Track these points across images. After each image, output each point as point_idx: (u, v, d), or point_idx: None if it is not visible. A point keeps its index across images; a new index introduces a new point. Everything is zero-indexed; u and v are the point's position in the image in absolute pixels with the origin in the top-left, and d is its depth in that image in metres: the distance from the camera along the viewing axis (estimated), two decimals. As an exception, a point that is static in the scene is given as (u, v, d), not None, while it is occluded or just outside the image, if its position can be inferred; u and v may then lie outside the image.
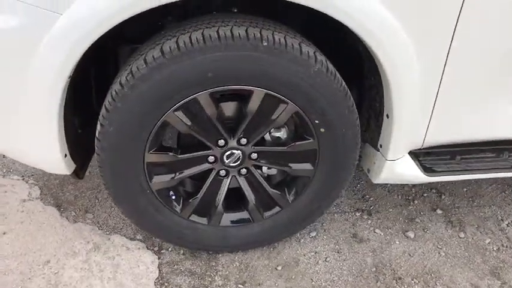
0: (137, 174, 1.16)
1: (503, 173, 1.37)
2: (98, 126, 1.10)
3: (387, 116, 1.22)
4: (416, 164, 1.34)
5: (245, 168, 1.27)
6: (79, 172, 1.29)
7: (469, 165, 1.39)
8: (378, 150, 1.33)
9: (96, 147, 1.13)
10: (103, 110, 1.08)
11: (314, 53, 1.07)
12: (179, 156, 1.20)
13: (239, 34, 1.01)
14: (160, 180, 1.22)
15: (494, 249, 1.56)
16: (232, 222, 1.36)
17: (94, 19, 0.95)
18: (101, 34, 0.97)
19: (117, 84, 1.05)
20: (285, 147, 1.24)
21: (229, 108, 1.21)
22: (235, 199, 1.35)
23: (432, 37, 1.08)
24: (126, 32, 1.17)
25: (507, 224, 1.67)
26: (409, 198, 1.76)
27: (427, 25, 1.06)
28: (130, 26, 1.02)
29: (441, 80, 1.14)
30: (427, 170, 1.34)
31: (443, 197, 1.78)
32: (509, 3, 1.08)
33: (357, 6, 1.00)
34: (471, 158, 1.42)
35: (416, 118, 1.22)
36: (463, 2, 1.03)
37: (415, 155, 1.37)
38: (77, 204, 1.60)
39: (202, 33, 1.01)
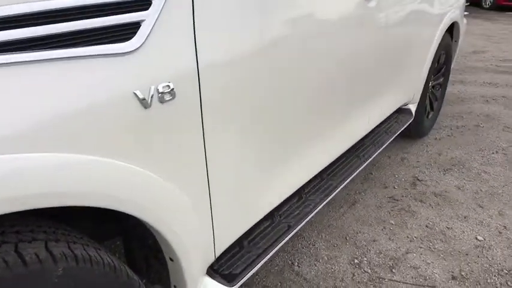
0: None
1: (284, 240, 1.38)
2: None
3: (171, 259, 0.98)
4: (218, 280, 1.17)
5: None
6: None
7: (258, 247, 1.34)
8: (175, 292, 1.08)
9: None
10: None
11: (52, 253, 0.70)
12: None
13: None
14: None
15: (304, 299, 1.61)
16: None
17: None
18: None
19: None
20: None
21: None
22: None
23: (190, 175, 0.92)
24: None
25: (298, 265, 1.77)
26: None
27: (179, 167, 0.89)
28: None
29: (210, 200, 1.00)
30: (229, 278, 1.20)
31: (239, 269, 1.71)
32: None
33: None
34: (255, 236, 1.37)
35: (201, 246, 1.04)
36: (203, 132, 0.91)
37: (211, 267, 1.20)
38: None
39: None
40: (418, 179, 2.44)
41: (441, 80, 3.04)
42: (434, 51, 2.49)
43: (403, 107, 2.50)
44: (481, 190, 2.33)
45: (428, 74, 2.55)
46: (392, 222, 2.05)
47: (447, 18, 2.58)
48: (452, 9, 2.69)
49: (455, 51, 3.19)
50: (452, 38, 3.08)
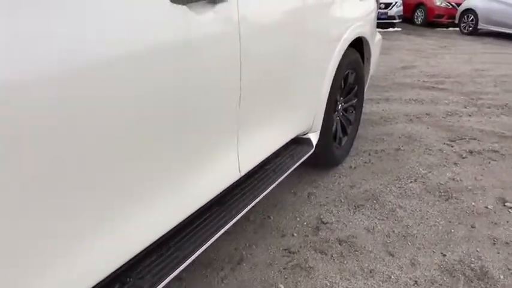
0: None
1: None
2: None
3: None
4: None
5: None
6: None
7: None
8: None
9: None
10: None
11: None
12: None
13: None
14: None
15: None
16: None
17: None
18: None
19: None
20: None
21: None
22: None
23: None
24: None
25: None
26: None
27: None
28: None
29: None
30: None
31: None
32: None
33: None
34: None
35: None
36: None
37: None
38: None
39: None
40: (323, 222, 2.05)
41: (354, 101, 2.73)
42: (334, 71, 2.16)
43: (302, 136, 2.13)
44: (393, 232, 1.98)
45: (331, 97, 2.20)
46: (282, 286, 1.62)
47: (349, 34, 2.27)
48: (357, 23, 2.39)
49: (368, 70, 2.91)
50: (364, 55, 2.80)
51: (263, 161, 1.75)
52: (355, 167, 2.66)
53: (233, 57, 1.26)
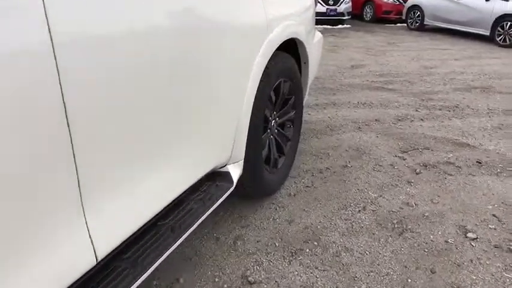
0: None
1: None
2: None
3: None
4: None
5: None
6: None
7: None
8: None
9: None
10: None
11: None
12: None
13: None
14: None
15: None
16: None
17: None
18: None
19: None
20: None
21: None
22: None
23: None
24: None
25: None
26: None
27: None
28: None
29: None
30: None
31: None
32: None
33: None
34: None
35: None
36: None
37: None
38: None
39: None
40: (249, 281, 1.58)
41: (292, 114, 2.29)
42: (258, 83, 1.69)
43: (219, 170, 1.65)
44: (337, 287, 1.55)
45: (256, 115, 1.74)
46: None
47: (276, 35, 1.82)
48: (286, 22, 1.95)
49: (307, 75, 2.48)
50: (300, 59, 2.37)
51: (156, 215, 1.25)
52: (295, 194, 2.22)
53: (42, 82, 0.74)
